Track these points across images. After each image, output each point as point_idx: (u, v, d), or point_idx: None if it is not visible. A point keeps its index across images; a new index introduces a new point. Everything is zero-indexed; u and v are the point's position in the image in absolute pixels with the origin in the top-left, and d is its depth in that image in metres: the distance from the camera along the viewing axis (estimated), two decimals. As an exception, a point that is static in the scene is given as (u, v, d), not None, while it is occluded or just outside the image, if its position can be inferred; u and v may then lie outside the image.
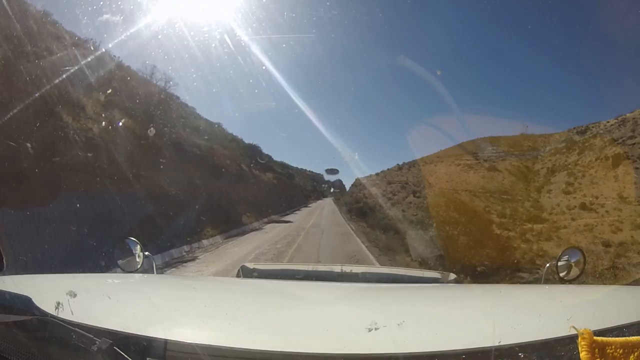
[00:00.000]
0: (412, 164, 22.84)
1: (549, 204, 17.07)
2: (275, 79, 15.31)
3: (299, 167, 43.79)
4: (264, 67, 12.43)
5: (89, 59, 8.13)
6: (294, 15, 12.55)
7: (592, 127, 18.70)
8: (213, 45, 10.72)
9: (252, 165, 24.20)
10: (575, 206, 16.05)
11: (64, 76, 7.28)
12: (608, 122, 17.93)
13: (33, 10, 8.08)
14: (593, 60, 20.44)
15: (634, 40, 17.89)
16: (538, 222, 16.21)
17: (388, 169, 24.29)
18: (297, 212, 29.55)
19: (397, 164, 23.93)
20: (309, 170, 45.80)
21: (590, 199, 15.69)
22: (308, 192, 44.60)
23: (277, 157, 33.96)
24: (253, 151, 25.54)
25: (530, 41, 25.55)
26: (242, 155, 22.72)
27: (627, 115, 17.01)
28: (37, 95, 6.61)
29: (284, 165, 35.04)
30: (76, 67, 7.63)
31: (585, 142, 18.40)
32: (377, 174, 24.55)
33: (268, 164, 29.42)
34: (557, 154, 19.58)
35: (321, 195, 44.81)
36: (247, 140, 25.58)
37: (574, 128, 19.69)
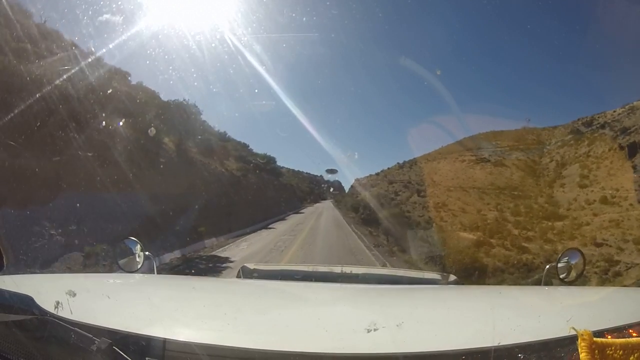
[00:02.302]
0: (413, 162, 22.57)
1: (564, 199, 16.24)
2: (275, 79, 15.28)
3: (296, 168, 40.93)
4: (264, 67, 12.45)
5: (90, 60, 8.13)
6: (294, 15, 12.58)
7: (598, 117, 18.21)
8: (213, 45, 10.71)
9: (188, 142, 14.55)
10: (595, 200, 15.02)
11: (64, 77, 7.28)
12: (614, 111, 17.44)
13: (34, 12, 8.10)
14: (593, 50, 20.08)
15: (636, 25, 17.21)
16: (557, 219, 15.24)
17: (388, 168, 24.11)
18: (273, 226, 17.60)
19: (398, 163, 23.74)
20: (306, 172, 43.79)
21: (611, 192, 14.68)
22: (303, 194, 41.21)
23: (272, 156, 28.07)
24: (192, 123, 14.63)
25: (527, 32, 25.37)
26: (174, 128, 13.31)
27: (635, 103, 16.53)
28: (37, 95, 6.61)
29: (268, 159, 26.87)
30: (76, 68, 7.64)
31: (594, 133, 17.77)
32: (377, 174, 24.36)
33: (227, 145, 19.29)
34: (565, 146, 18.97)
35: (319, 197, 41.87)
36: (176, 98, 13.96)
37: (579, 119, 19.24)
